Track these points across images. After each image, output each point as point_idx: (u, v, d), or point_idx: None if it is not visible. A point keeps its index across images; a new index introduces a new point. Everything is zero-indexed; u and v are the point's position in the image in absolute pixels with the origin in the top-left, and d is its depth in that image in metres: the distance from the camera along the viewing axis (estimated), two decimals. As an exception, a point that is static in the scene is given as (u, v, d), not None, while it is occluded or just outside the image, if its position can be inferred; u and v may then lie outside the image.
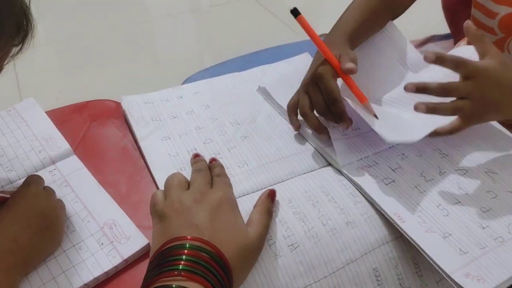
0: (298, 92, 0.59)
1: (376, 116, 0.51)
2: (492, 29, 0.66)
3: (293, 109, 0.58)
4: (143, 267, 0.45)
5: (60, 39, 1.82)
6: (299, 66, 0.67)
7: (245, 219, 0.42)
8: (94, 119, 0.65)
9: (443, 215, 0.45)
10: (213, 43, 1.78)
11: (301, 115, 0.56)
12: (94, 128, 0.64)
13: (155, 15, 2.05)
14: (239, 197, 0.48)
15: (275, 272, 0.41)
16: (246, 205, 0.46)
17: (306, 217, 0.46)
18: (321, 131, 0.54)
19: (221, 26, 1.88)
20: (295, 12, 0.53)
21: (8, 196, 0.46)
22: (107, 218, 0.49)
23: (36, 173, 0.51)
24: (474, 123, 0.50)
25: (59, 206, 0.48)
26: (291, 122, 0.58)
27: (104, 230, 0.48)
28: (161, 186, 0.45)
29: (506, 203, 0.47)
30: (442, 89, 0.48)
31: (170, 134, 0.59)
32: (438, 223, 0.44)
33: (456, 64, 0.48)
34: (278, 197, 0.47)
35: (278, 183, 0.51)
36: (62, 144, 0.58)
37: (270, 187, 0.48)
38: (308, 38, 0.54)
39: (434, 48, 0.81)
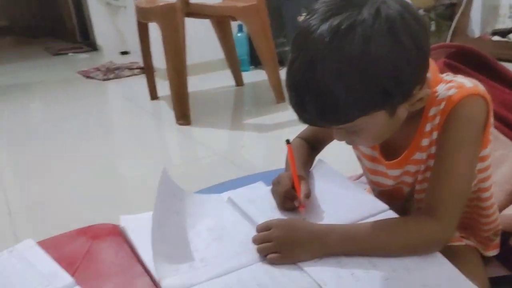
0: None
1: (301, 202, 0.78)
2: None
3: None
4: None
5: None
6: (257, 188, 0.91)
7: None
8: (94, 241, 0.82)
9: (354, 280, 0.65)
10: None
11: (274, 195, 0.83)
12: (94, 248, 0.80)
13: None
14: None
15: None
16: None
17: (267, 285, 0.63)
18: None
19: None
20: (288, 141, 0.84)
21: None
22: None
23: None
24: (287, 259, 0.68)
25: None
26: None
27: None
28: None
29: (402, 276, 0.68)
30: (257, 238, 0.72)
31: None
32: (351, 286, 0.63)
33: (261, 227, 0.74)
34: (247, 276, 0.64)
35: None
36: (65, 277, 0.68)
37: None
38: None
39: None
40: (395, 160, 0.79)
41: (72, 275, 0.70)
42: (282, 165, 0.93)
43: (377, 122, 0.67)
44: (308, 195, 0.80)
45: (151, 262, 0.69)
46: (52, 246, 0.78)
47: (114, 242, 0.80)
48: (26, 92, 3.46)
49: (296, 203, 0.79)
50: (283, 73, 2.59)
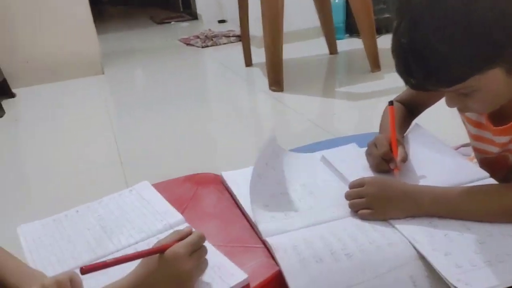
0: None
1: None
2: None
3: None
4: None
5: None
6: (350, 149, 0.93)
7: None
8: (199, 187, 0.91)
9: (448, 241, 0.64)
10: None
11: (367, 156, 0.85)
12: (199, 193, 0.89)
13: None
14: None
15: (337, 272, 0.61)
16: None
17: (357, 239, 0.65)
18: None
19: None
20: (391, 102, 0.86)
21: (170, 245, 0.59)
22: (215, 262, 0.64)
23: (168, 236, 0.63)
24: (379, 215, 0.70)
25: (197, 272, 0.60)
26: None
27: (214, 269, 0.63)
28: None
29: (498, 241, 0.66)
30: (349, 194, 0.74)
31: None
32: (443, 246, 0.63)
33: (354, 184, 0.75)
34: (339, 228, 0.69)
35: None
36: (176, 215, 0.77)
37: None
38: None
39: (466, 151, 0.95)
40: (503, 126, 0.75)
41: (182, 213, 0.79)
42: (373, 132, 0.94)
43: (492, 82, 0.63)
44: (405, 159, 0.80)
45: (249, 208, 0.76)
46: (163, 189, 0.88)
47: (216, 189, 0.88)
48: (132, 58, 3.75)
49: (391, 166, 0.80)
50: (380, 41, 2.54)
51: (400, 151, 0.80)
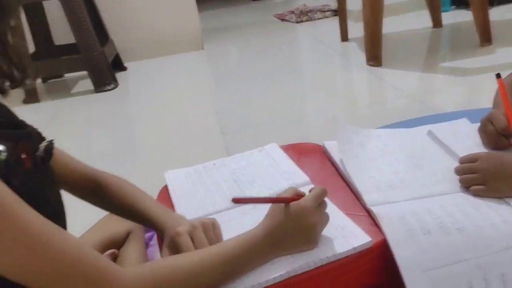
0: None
1: None
2: None
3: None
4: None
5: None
6: (461, 124, 0.90)
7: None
8: (301, 156, 0.94)
9: None
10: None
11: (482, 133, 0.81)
12: (302, 162, 0.92)
13: None
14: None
15: (446, 245, 0.60)
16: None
17: (469, 214, 0.64)
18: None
19: None
20: (498, 75, 0.81)
21: (300, 197, 0.62)
22: (338, 223, 0.66)
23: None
24: (493, 193, 0.67)
25: (321, 226, 0.63)
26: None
27: (338, 229, 0.65)
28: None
29: None
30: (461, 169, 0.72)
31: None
32: None
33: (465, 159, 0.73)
34: (448, 202, 0.67)
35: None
36: (303, 176, 0.81)
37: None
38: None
39: None
40: None
41: (286, 179, 0.82)
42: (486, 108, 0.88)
43: None
44: None
45: (353, 177, 0.77)
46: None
47: (318, 159, 0.90)
48: (229, 34, 3.86)
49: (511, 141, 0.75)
50: (492, 12, 2.32)
51: None
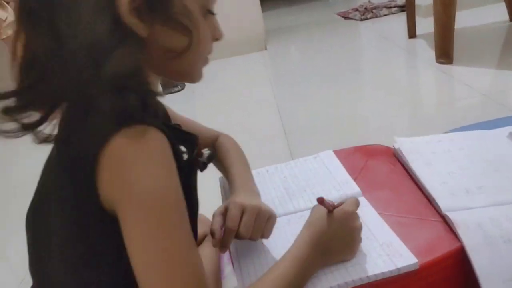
0: None
1: None
2: None
3: None
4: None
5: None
6: None
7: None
8: (369, 158, 0.92)
9: None
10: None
11: None
12: (370, 164, 0.90)
13: None
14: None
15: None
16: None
17: None
18: None
19: None
20: None
21: (336, 205, 0.62)
22: (384, 239, 0.64)
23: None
24: None
25: (360, 229, 0.62)
26: None
27: (383, 247, 0.62)
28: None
29: None
30: None
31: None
32: None
33: None
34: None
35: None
36: (354, 187, 0.78)
37: None
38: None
39: None
40: None
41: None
42: None
43: None
44: None
45: (427, 181, 0.74)
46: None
47: (387, 161, 0.88)
48: (291, 34, 3.86)
49: None
50: None
51: None
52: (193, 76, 0.58)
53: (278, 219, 0.71)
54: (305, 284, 0.58)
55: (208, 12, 0.55)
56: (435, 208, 0.71)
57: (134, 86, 0.46)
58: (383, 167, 0.87)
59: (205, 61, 0.59)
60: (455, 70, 2.15)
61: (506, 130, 0.85)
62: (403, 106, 1.95)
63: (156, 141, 0.46)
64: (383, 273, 0.59)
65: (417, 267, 0.60)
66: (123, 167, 0.44)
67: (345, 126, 1.82)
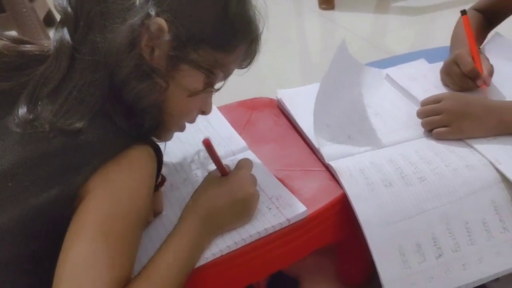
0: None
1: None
2: None
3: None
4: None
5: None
6: (418, 66, 0.85)
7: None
8: (253, 112, 0.87)
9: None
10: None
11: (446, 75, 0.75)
12: (254, 118, 0.86)
13: None
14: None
15: (408, 196, 0.57)
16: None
17: (431, 161, 0.60)
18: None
19: None
20: (463, 12, 0.75)
21: (229, 171, 0.58)
22: (274, 193, 0.61)
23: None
24: (457, 134, 0.64)
25: (257, 195, 0.57)
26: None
27: (272, 200, 0.60)
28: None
29: None
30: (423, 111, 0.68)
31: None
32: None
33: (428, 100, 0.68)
34: (409, 150, 0.63)
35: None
36: (240, 142, 0.73)
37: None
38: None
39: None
40: None
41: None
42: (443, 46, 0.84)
43: None
44: (492, 71, 0.71)
45: (309, 131, 0.71)
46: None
47: (272, 113, 0.84)
48: None
49: (478, 83, 0.71)
50: None
51: (485, 64, 0.71)
52: (164, 136, 0.59)
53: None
54: (198, 259, 0.53)
55: (211, 88, 0.59)
56: (319, 158, 0.68)
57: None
58: (267, 120, 0.83)
59: (181, 128, 0.60)
60: (336, 15, 2.19)
61: (382, 72, 0.86)
62: (290, 55, 1.94)
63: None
64: (273, 226, 0.56)
65: (306, 215, 0.58)
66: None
67: (230, 81, 1.75)
